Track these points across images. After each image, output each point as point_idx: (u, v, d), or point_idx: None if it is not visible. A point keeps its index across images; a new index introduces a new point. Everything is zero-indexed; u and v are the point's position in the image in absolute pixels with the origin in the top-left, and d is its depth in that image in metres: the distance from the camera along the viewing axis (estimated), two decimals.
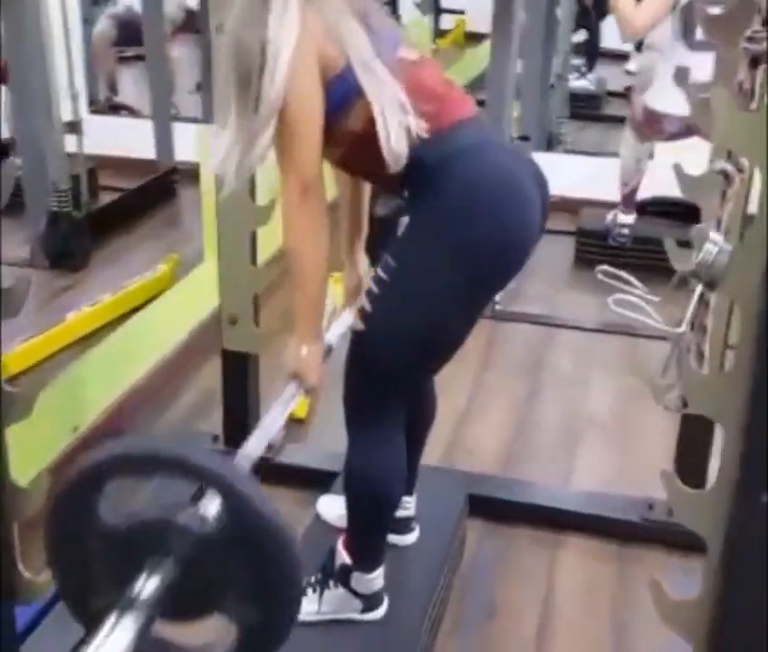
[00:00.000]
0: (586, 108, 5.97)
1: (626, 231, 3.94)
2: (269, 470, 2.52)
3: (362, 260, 1.93)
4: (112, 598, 1.09)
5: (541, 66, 4.56)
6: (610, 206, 4.06)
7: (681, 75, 3.44)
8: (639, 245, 3.89)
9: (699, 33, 3.38)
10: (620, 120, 5.79)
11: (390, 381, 1.64)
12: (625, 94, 6.48)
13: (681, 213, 3.93)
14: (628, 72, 7.13)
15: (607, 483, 2.55)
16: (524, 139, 3.82)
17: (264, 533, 1.09)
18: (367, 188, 1.87)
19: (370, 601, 1.80)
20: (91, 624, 1.11)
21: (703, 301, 1.16)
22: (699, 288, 1.15)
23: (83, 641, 1.05)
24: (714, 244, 1.03)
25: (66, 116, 3.79)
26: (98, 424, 2.55)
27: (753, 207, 1.30)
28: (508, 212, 1.55)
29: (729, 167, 1.13)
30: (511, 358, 3.35)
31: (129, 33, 5.57)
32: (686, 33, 3.49)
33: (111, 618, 1.05)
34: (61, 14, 3.71)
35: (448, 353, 1.65)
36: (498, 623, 2.09)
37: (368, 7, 1.58)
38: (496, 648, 2.03)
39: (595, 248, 4.02)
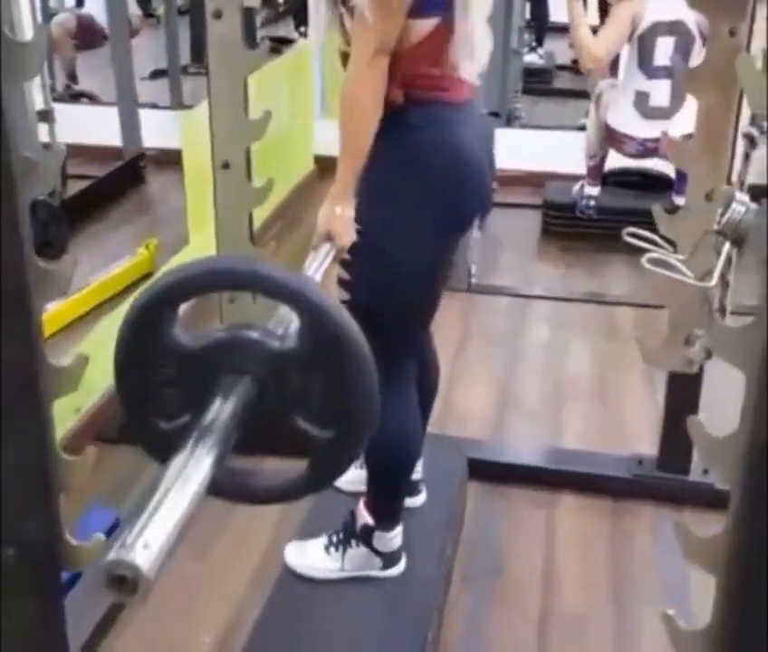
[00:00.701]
0: (537, 82, 6.01)
1: (592, 202, 4.06)
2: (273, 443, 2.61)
3: None
4: (183, 420, 1.07)
5: (501, 43, 4.63)
6: (575, 178, 4.16)
7: (640, 100, 3.67)
8: (605, 216, 4.01)
9: (656, 60, 3.61)
10: (571, 94, 5.98)
11: (390, 336, 1.69)
12: (573, 67, 6.64)
13: (643, 183, 4.12)
14: (572, 46, 7.25)
15: (594, 442, 2.67)
16: (495, 115, 3.91)
17: (341, 344, 1.06)
18: None
19: (390, 559, 1.89)
20: (159, 449, 1.09)
21: (727, 257, 1.24)
22: (726, 245, 1.23)
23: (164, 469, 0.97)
24: (740, 203, 1.12)
25: (38, 105, 3.77)
26: (100, 405, 2.58)
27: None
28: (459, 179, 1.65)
29: (755, 131, 1.22)
30: (489, 328, 3.45)
31: (86, 35, 5.57)
32: (643, 62, 3.66)
33: (191, 441, 0.99)
34: (29, 7, 3.71)
35: (432, 295, 1.76)
36: (504, 576, 2.20)
37: None
38: (504, 600, 2.14)
39: (561, 220, 4.14)
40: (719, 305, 1.31)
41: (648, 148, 3.71)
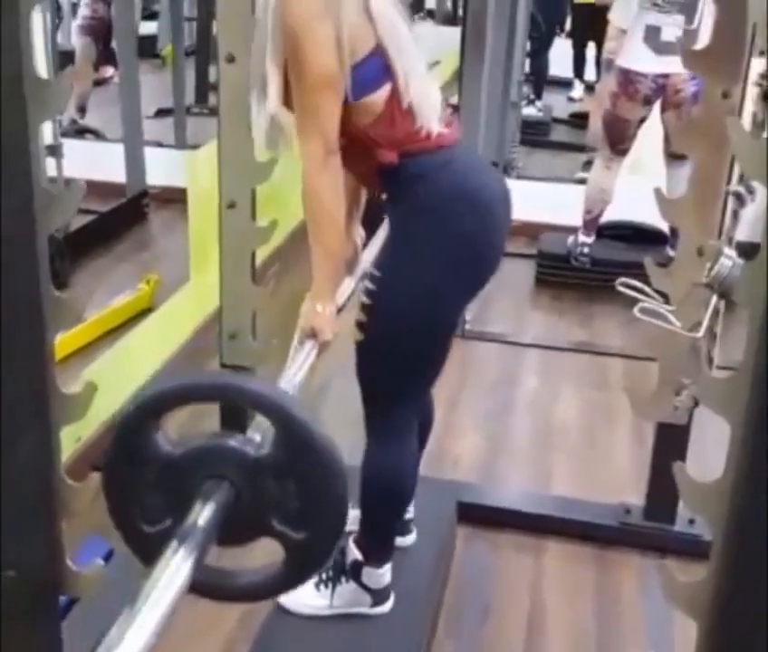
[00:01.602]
0: (534, 134, 6.12)
1: (586, 250, 4.12)
2: None
3: (359, 232, 2.03)
4: (165, 524, 1.14)
5: (501, 95, 4.74)
6: (569, 230, 4.24)
7: (651, 35, 3.66)
8: (598, 268, 4.09)
9: None
10: (567, 147, 6.10)
11: (399, 386, 1.79)
12: (570, 121, 6.78)
13: (637, 236, 4.20)
14: (571, 99, 7.42)
15: (582, 490, 2.71)
16: (494, 164, 3.99)
17: (314, 455, 1.12)
18: None
19: (380, 596, 1.92)
20: (144, 551, 1.16)
21: (714, 309, 1.30)
22: (714, 298, 1.29)
23: (147, 570, 1.04)
24: (728, 258, 1.19)
25: (46, 140, 3.83)
26: (100, 434, 2.62)
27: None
28: (477, 216, 1.71)
29: (742, 190, 1.29)
30: (481, 374, 3.50)
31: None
32: None
33: (172, 545, 1.05)
34: (42, 39, 3.76)
35: (443, 341, 1.80)
36: (490, 619, 2.24)
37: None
38: (490, 643, 2.17)
39: (555, 270, 4.22)
40: (707, 356, 1.36)
41: (659, 85, 3.71)
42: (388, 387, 1.80)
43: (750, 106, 1.29)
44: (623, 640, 2.19)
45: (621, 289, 1.42)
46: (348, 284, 1.90)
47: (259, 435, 1.18)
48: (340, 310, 1.78)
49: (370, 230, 2.02)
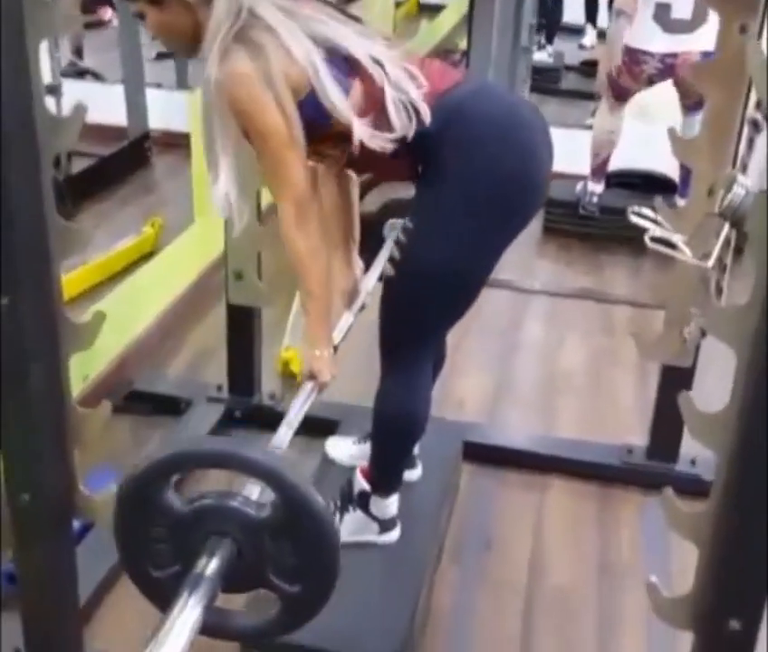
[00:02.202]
0: (545, 81, 5.98)
1: (595, 199, 4.10)
2: (272, 418, 2.67)
3: (357, 263, 2.04)
4: (173, 571, 1.29)
5: (511, 40, 4.69)
6: (578, 178, 4.20)
7: (661, 12, 3.58)
8: (606, 215, 4.08)
9: None
10: (578, 95, 6.02)
11: (426, 325, 1.79)
12: (581, 68, 6.69)
13: (645, 184, 4.18)
14: (582, 47, 7.30)
15: (586, 431, 2.73)
16: None
17: (310, 519, 1.26)
18: (355, 193, 1.98)
19: (387, 525, 1.96)
20: (154, 593, 1.32)
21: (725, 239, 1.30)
22: (726, 227, 1.29)
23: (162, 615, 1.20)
24: (741, 187, 1.18)
25: (45, 78, 3.81)
26: (107, 373, 2.64)
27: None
28: (515, 141, 1.67)
29: (759, 117, 1.28)
30: (489, 320, 3.49)
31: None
32: None
33: (184, 594, 1.20)
34: None
35: (475, 288, 1.77)
36: (493, 552, 2.28)
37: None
38: (492, 573, 2.21)
39: (563, 218, 4.19)
40: (716, 287, 1.36)
41: (667, 65, 3.60)
42: (411, 328, 1.80)
43: None
44: (623, 571, 2.23)
45: (633, 218, 1.41)
46: (347, 319, 1.93)
47: (257, 490, 1.33)
48: (336, 348, 1.81)
49: (368, 259, 2.05)
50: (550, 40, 6.72)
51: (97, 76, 5.58)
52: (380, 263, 1.96)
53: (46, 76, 3.81)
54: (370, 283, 2.00)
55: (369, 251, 2.05)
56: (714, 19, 1.97)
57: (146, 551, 1.31)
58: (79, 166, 4.26)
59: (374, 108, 1.61)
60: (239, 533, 1.27)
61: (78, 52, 5.64)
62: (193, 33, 1.60)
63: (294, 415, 1.64)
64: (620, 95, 3.91)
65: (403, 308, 1.78)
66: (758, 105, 1.23)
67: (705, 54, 3.27)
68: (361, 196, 2.05)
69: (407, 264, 1.73)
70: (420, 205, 1.72)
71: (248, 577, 1.30)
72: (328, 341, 1.73)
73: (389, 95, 1.60)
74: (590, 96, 5.49)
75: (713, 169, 2.04)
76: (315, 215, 1.64)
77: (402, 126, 1.60)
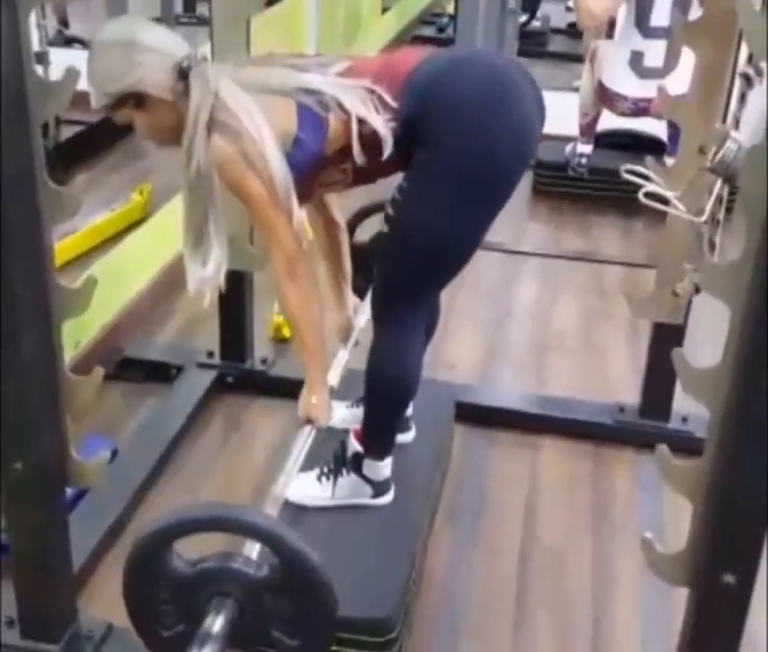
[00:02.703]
0: (533, 44, 6.01)
1: (584, 160, 4.10)
2: (265, 383, 2.67)
3: (350, 298, 2.11)
4: (179, 629, 1.39)
5: (499, 2, 4.65)
6: (566, 139, 4.18)
7: (635, 60, 3.70)
8: (595, 176, 4.07)
9: (653, 20, 3.65)
10: (566, 57, 5.99)
11: (420, 284, 1.81)
12: (568, 31, 6.65)
13: (634, 145, 4.17)
14: (570, 9, 7.27)
15: (578, 390, 2.74)
16: None
17: (307, 576, 1.34)
18: (344, 237, 2.07)
19: (380, 487, 1.96)
20: (160, 648, 1.42)
21: (717, 195, 1.30)
22: (718, 183, 1.28)
23: None
24: (734, 142, 1.18)
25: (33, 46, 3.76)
26: (98, 340, 2.63)
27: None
28: (503, 106, 1.68)
29: (751, 71, 1.27)
30: (480, 282, 3.49)
31: None
32: (640, 21, 3.69)
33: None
34: None
35: (466, 252, 1.78)
36: (487, 512, 2.29)
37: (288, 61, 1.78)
38: (486, 533, 2.22)
39: (552, 179, 4.19)
40: (709, 242, 1.36)
41: (641, 108, 3.76)
42: (402, 286, 1.81)
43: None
44: (617, 528, 2.24)
45: (626, 176, 1.41)
46: (342, 355, 2.01)
47: (256, 548, 1.42)
48: (332, 389, 1.88)
49: (362, 287, 2.10)
50: (536, 2, 6.66)
51: (84, 44, 5.50)
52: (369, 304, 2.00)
53: (33, 45, 3.75)
54: (363, 320, 2.08)
55: (362, 279, 2.11)
56: (684, 64, 1.98)
57: (153, 613, 1.39)
58: (67, 133, 4.22)
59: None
60: (240, 594, 1.36)
61: (63, 22, 5.57)
62: (178, 125, 1.69)
63: (292, 464, 1.72)
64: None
65: (394, 266, 1.79)
66: (750, 60, 1.23)
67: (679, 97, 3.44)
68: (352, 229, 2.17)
69: (398, 225, 1.74)
70: (414, 167, 1.72)
71: (251, 634, 1.39)
72: (324, 387, 1.81)
73: (354, 131, 1.67)
74: (578, 58, 5.44)
75: (703, 126, 2.04)
76: (306, 271, 1.71)
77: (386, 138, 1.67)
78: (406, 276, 1.79)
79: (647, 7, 3.65)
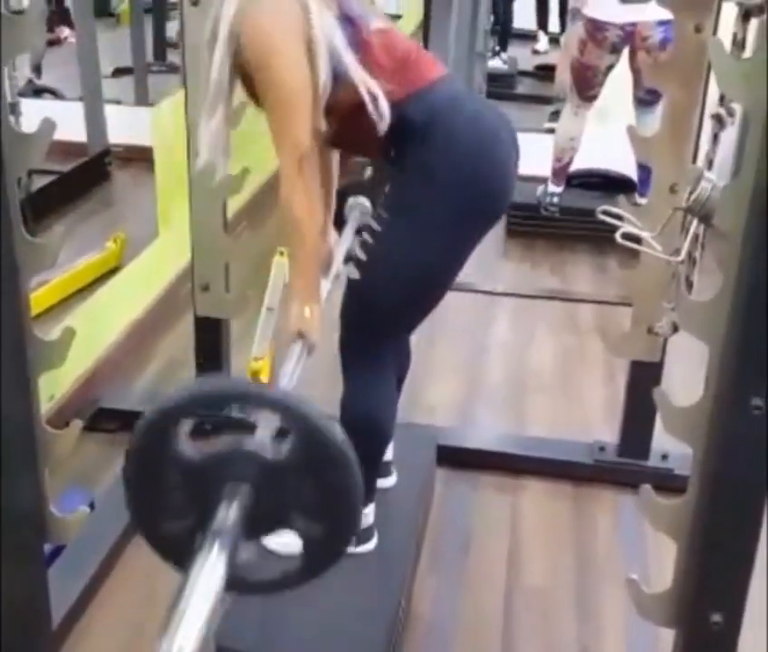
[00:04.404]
0: (500, 87, 6.05)
1: (556, 200, 4.14)
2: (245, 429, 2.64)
3: (332, 233, 2.04)
4: (187, 524, 1.18)
5: (467, 46, 4.71)
6: (538, 180, 4.23)
7: None
8: (568, 216, 4.11)
9: None
10: (534, 99, 6.08)
11: (388, 322, 1.80)
12: (535, 73, 6.76)
13: (605, 185, 4.23)
14: (536, 52, 7.39)
15: (557, 430, 2.75)
16: None
17: (329, 453, 1.17)
18: (335, 165, 1.99)
19: (364, 535, 1.94)
20: (165, 549, 1.22)
21: (693, 234, 1.32)
22: (694, 222, 1.30)
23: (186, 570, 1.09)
24: (708, 181, 1.20)
25: None
26: (72, 392, 2.60)
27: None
28: (487, 153, 1.71)
29: (723, 112, 1.29)
30: (456, 323, 3.50)
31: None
32: None
33: (205, 547, 1.11)
34: None
35: (441, 291, 1.79)
36: (471, 555, 2.27)
37: None
38: (471, 576, 2.20)
39: (526, 220, 4.22)
40: (686, 281, 1.38)
41: (628, 33, 3.77)
42: (374, 329, 1.80)
43: (729, 28, 1.29)
44: (600, 569, 2.24)
45: (602, 217, 1.42)
46: (324, 286, 1.90)
47: (274, 432, 1.23)
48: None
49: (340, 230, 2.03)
50: (503, 46, 6.79)
51: (54, 93, 5.52)
52: (348, 238, 1.94)
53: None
54: (341, 253, 1.97)
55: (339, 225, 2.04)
56: None
57: (158, 505, 1.22)
58: (39, 183, 4.20)
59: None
60: (256, 477, 1.17)
61: (37, 69, 5.58)
62: None
63: (286, 382, 1.58)
64: (586, 88, 3.97)
65: (369, 303, 1.78)
66: (721, 101, 1.25)
67: (660, 23, 3.59)
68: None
69: (376, 258, 1.74)
70: (397, 199, 1.73)
71: (269, 520, 1.21)
72: (317, 301, 1.69)
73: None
74: (547, 100, 5.55)
75: (673, 165, 2.08)
76: (316, 174, 1.62)
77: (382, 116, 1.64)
78: (379, 315, 1.78)
79: None
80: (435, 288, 1.78)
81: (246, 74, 1.62)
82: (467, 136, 1.69)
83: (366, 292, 1.77)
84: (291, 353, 1.64)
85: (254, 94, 1.66)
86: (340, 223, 2.04)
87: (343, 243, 1.97)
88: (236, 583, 1.19)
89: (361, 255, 1.75)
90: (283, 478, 1.18)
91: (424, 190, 1.69)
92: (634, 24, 3.73)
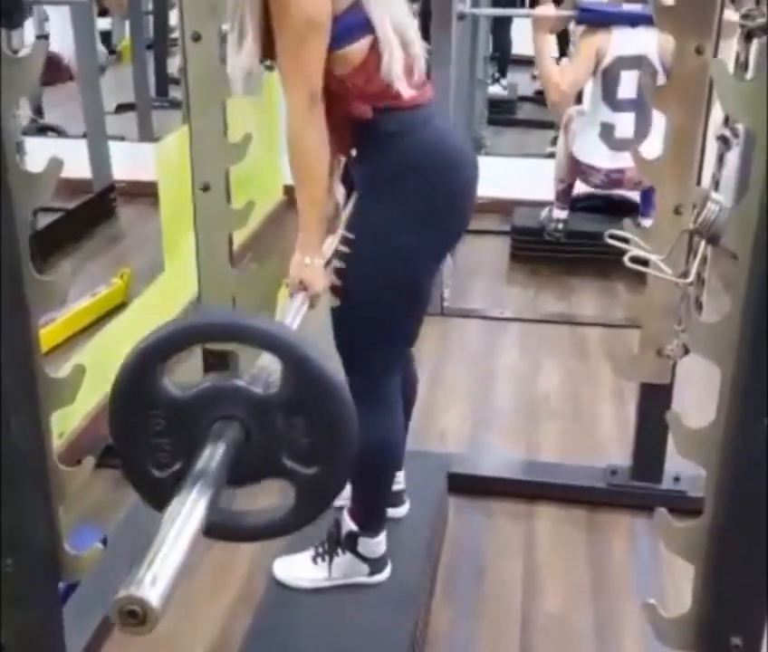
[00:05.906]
0: (501, 112, 6.11)
1: (560, 226, 4.14)
2: None
3: (340, 190, 1.99)
4: (176, 468, 1.14)
5: (468, 73, 4.74)
6: (541, 204, 4.24)
7: (606, 132, 3.79)
8: (572, 240, 4.11)
9: (620, 94, 3.72)
10: (534, 124, 6.11)
11: (376, 347, 1.79)
12: (535, 98, 6.78)
13: (609, 208, 4.23)
14: (536, 77, 7.41)
15: (569, 455, 2.73)
16: None
17: (322, 389, 1.12)
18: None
19: (377, 564, 1.93)
20: (154, 495, 1.17)
21: (702, 256, 1.32)
22: (702, 244, 1.30)
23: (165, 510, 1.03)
24: (715, 202, 1.20)
25: None
26: (81, 429, 2.60)
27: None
28: (461, 176, 1.76)
29: (728, 133, 1.30)
30: (463, 349, 3.51)
31: (52, 72, 5.60)
32: (608, 95, 3.76)
33: (186, 487, 1.05)
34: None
35: (420, 302, 1.82)
36: (485, 583, 2.26)
37: None
38: (486, 604, 2.19)
39: (530, 245, 4.22)
40: (695, 302, 1.38)
41: (613, 180, 3.81)
42: (366, 353, 1.80)
43: (731, 52, 1.30)
44: (615, 594, 2.22)
45: (610, 241, 1.43)
46: (330, 242, 1.86)
47: (266, 373, 1.17)
48: (327, 264, 1.75)
49: (349, 187, 1.99)
50: (503, 72, 6.80)
51: (58, 131, 5.57)
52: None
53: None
54: (348, 210, 1.92)
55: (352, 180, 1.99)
56: (655, 134, 2.04)
57: (145, 449, 1.17)
58: (44, 220, 4.23)
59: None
60: (246, 415, 1.12)
61: (38, 110, 5.63)
62: None
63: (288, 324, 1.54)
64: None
65: (356, 333, 1.78)
66: (726, 122, 1.25)
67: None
68: None
69: (351, 285, 1.73)
70: (365, 215, 1.73)
71: (258, 464, 1.16)
72: (319, 252, 1.68)
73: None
74: (548, 125, 5.58)
75: (677, 187, 2.08)
76: (323, 118, 1.61)
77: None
78: (371, 339, 1.78)
79: (613, 81, 3.71)
80: (410, 299, 1.80)
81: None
82: (437, 152, 1.71)
83: (347, 320, 1.77)
84: (290, 306, 1.60)
85: (270, 43, 1.62)
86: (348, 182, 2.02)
87: (351, 202, 1.93)
88: (219, 530, 1.16)
89: (336, 282, 1.74)
90: (274, 415, 1.13)
91: (387, 203, 1.69)
92: (622, 171, 3.72)
